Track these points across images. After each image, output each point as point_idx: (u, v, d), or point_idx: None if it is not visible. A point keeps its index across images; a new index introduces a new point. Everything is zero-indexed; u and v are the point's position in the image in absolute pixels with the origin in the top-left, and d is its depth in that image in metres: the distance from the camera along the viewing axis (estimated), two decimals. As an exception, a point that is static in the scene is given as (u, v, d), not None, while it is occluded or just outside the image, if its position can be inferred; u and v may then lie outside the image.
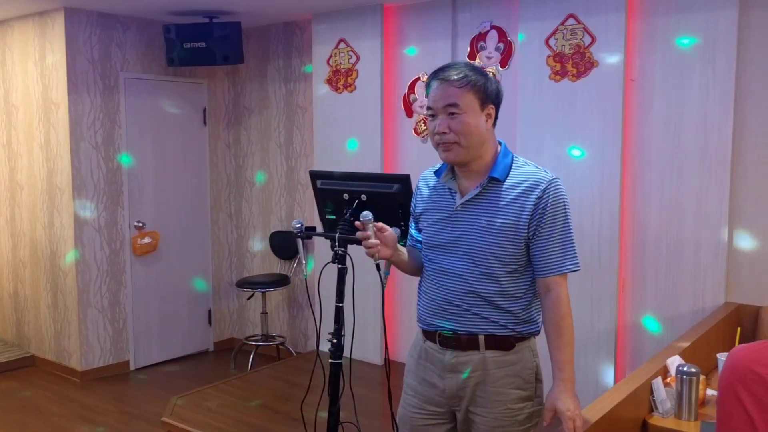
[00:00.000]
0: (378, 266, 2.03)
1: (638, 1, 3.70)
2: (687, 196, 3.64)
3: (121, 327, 5.09)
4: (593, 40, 3.77)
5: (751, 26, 3.43)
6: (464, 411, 2.01)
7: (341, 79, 4.82)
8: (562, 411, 1.86)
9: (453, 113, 1.92)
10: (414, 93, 4.57)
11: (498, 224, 1.93)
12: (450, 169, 2.06)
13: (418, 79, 4.55)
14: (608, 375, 3.82)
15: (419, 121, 4.57)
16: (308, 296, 3.00)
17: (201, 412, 3.86)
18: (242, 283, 5.19)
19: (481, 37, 4.28)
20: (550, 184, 1.94)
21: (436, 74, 1.98)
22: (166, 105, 5.30)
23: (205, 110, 5.57)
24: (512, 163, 2.00)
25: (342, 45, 4.80)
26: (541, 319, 2.01)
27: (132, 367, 5.14)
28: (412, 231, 2.25)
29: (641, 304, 3.82)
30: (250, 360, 5.06)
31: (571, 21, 3.83)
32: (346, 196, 3.18)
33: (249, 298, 5.48)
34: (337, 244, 3.09)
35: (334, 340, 3.16)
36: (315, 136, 5.03)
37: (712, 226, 3.57)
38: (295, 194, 5.42)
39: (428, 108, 1.99)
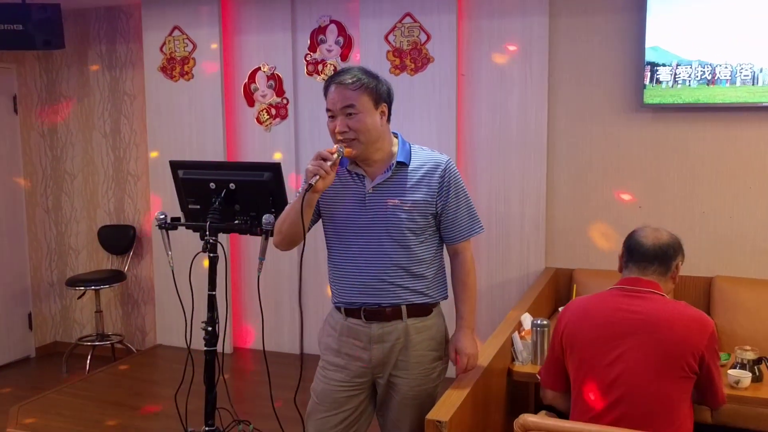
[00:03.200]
0: (311, 186, 2.03)
1: (466, 5, 4.14)
2: (511, 177, 4.17)
3: (-71, 339, 4.56)
4: (428, 37, 4.14)
5: (560, 31, 4.02)
6: (387, 376, 2.23)
7: (177, 67, 4.73)
8: (460, 350, 2.23)
9: (350, 113, 2.11)
10: (255, 83, 4.64)
11: (410, 201, 2.18)
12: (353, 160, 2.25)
13: (259, 69, 4.63)
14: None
15: (261, 111, 4.65)
16: (176, 289, 3.02)
17: (53, 419, 3.65)
18: (73, 281, 4.89)
19: (321, 30, 4.47)
20: (448, 164, 2.24)
21: (333, 79, 2.16)
22: (-29, 91, 4.80)
23: (15, 97, 5.12)
24: (411, 149, 2.26)
25: (176, 33, 4.71)
26: (446, 284, 2.31)
27: (-58, 382, 4.64)
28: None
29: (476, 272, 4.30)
30: (88, 361, 4.80)
31: (408, 19, 4.17)
32: (212, 185, 3.23)
33: (80, 297, 5.17)
34: (207, 233, 3.15)
35: (209, 328, 3.22)
36: (149, 125, 4.88)
37: (533, 203, 4.14)
38: (125, 186, 5.21)
39: (328, 110, 2.16)
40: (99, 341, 5.02)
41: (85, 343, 5.00)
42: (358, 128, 2.11)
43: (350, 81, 2.11)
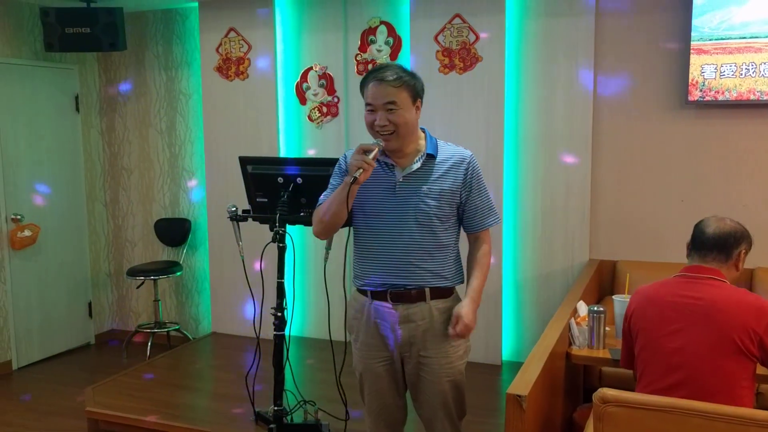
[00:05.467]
0: (355, 179, 2.21)
1: (514, 6, 4.30)
2: (557, 172, 4.32)
3: (1, 326, 4.82)
4: (477, 37, 4.30)
5: (606, 30, 4.17)
6: (415, 356, 2.41)
7: (232, 67, 4.94)
8: (460, 316, 2.35)
9: (391, 109, 2.30)
10: (307, 82, 4.84)
11: (437, 191, 2.37)
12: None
13: (311, 68, 4.82)
14: (496, 325, 4.43)
15: (313, 109, 4.84)
16: (246, 277, 3.22)
17: (126, 399, 3.88)
18: (133, 272, 5.14)
19: (371, 31, 4.65)
20: (471, 158, 2.45)
21: (374, 75, 2.33)
22: (38, 91, 5.05)
23: (77, 97, 5.37)
24: (437, 142, 2.46)
25: (232, 34, 4.92)
26: (463, 270, 2.50)
27: (15, 366, 4.89)
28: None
29: (522, 264, 4.47)
30: (149, 347, 5.05)
31: (457, 20, 4.34)
32: (280, 180, 3.44)
33: (139, 287, 5.43)
34: (278, 224, 3.35)
35: (278, 314, 3.43)
36: (205, 123, 5.10)
37: (578, 196, 4.29)
38: (180, 181, 5.44)
39: (368, 104, 2.34)
40: (157, 329, 5.26)
41: (145, 330, 5.25)
42: (398, 122, 2.30)
43: (392, 78, 2.29)
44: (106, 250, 5.72)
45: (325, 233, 2.46)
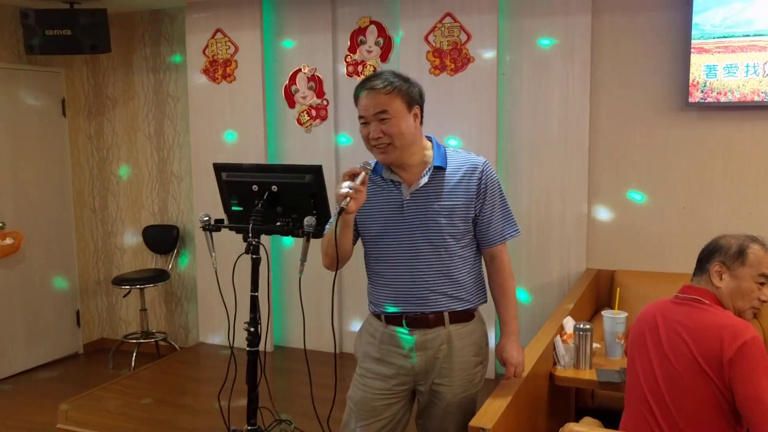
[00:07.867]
0: (341, 209, 1.99)
1: (507, 3, 4.11)
2: (552, 177, 4.13)
3: (-17, 335, 4.72)
4: (469, 37, 4.12)
5: (603, 29, 3.97)
6: (429, 384, 2.20)
7: (219, 69, 4.80)
8: (507, 359, 2.20)
9: (384, 119, 2.08)
10: (295, 84, 4.68)
11: (449, 206, 2.15)
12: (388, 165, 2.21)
13: (299, 70, 4.66)
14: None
15: (302, 112, 4.69)
16: (219, 289, 3.07)
17: (99, 415, 3.74)
18: (119, 280, 5.01)
19: (361, 31, 4.49)
20: (485, 165, 2.21)
21: (363, 85, 2.13)
22: (22, 95, 4.94)
23: (63, 101, 5.26)
24: (446, 152, 2.22)
25: (219, 35, 4.78)
26: (485, 289, 2.28)
27: (-3, 376, 4.80)
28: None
29: (516, 274, 4.26)
30: (134, 358, 4.92)
31: (448, 19, 4.16)
32: (255, 187, 3.26)
33: (126, 295, 5.30)
34: (251, 235, 3.19)
35: (251, 329, 3.26)
36: (192, 126, 4.96)
37: (574, 203, 4.09)
38: (169, 187, 5.30)
39: (360, 117, 2.13)
40: (144, 339, 5.13)
41: (131, 341, 5.12)
42: (392, 133, 2.08)
43: (382, 86, 2.08)
44: (96, 257, 5.60)
45: (334, 265, 2.17)
